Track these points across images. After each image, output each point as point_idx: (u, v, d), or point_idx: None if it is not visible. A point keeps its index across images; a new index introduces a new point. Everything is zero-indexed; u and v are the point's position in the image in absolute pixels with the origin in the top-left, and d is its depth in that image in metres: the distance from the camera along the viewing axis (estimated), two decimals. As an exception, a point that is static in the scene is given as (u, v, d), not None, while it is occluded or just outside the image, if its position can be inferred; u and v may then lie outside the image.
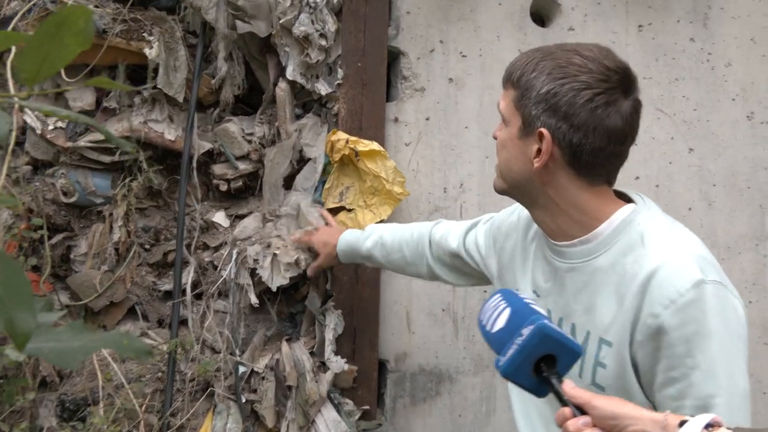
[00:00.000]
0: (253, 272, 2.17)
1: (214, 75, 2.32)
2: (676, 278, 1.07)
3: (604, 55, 1.17)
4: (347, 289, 2.20)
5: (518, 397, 1.40)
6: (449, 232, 1.71)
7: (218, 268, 2.22)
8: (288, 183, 2.28)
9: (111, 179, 2.28)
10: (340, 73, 2.27)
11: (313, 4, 2.23)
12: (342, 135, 2.16)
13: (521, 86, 1.18)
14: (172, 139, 2.26)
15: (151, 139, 2.25)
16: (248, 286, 2.16)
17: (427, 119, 2.33)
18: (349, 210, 2.19)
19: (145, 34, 2.22)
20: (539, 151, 1.17)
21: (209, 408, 2.13)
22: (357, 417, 2.12)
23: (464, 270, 1.69)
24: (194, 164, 2.28)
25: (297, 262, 2.10)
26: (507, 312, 1.01)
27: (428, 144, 2.32)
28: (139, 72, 2.28)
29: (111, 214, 2.26)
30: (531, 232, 1.38)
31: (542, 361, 0.96)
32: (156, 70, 2.22)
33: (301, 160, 2.31)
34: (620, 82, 1.15)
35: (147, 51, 2.19)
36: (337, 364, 2.11)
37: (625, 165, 2.31)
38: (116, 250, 2.24)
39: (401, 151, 2.30)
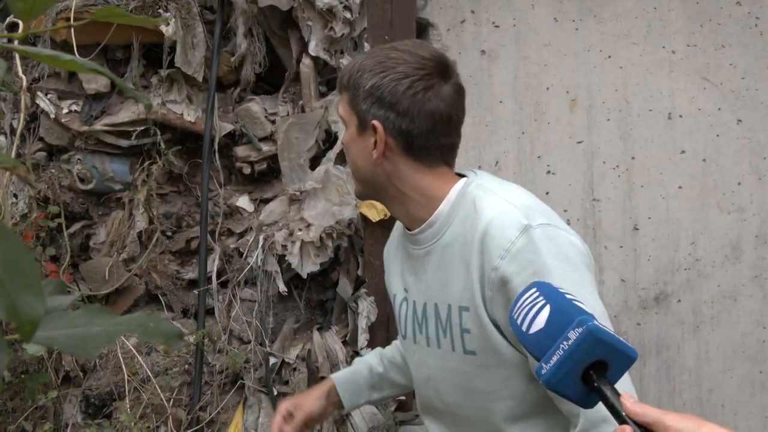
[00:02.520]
0: (281, 259, 2.01)
1: (234, 52, 2.14)
2: (504, 229, 1.11)
3: (418, 46, 1.23)
4: (380, 274, 2.02)
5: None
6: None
7: (244, 255, 2.05)
8: (315, 165, 2.09)
9: (129, 164, 2.11)
10: (366, 47, 2.08)
11: (336, -26, 2.03)
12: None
13: (351, 87, 1.23)
14: (192, 120, 2.08)
15: (169, 121, 2.07)
16: (276, 273, 2.00)
17: (459, 94, 2.13)
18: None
19: (160, 11, 2.04)
20: (376, 143, 1.21)
21: (239, 401, 1.97)
22: (393, 408, 1.97)
23: None
24: (216, 147, 2.10)
25: (322, 244, 1.93)
26: (546, 310, 0.87)
27: (461, 120, 2.12)
28: (155, 51, 2.10)
29: (131, 201, 2.09)
30: (396, 240, 1.40)
31: (591, 368, 0.82)
32: (173, 49, 2.03)
33: (328, 140, 2.12)
34: (436, 68, 1.20)
35: (163, 28, 2.00)
36: (372, 353, 1.93)
37: (670, 137, 2.14)
38: (139, 238, 2.07)
39: (432, 128, 2.11)
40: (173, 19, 2.03)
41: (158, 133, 2.02)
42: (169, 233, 2.14)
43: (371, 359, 1.55)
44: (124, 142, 2.07)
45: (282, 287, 1.98)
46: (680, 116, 2.16)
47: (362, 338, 1.98)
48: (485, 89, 2.14)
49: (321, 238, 1.98)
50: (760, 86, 2.17)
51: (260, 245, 2.03)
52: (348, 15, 2.07)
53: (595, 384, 0.82)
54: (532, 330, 0.87)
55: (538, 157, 2.14)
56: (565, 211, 2.13)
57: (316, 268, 1.98)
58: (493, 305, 1.13)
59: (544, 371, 0.83)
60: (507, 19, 2.16)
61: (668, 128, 2.16)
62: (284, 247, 1.99)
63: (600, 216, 2.15)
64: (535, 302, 0.89)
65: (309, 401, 1.48)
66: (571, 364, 0.82)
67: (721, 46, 2.17)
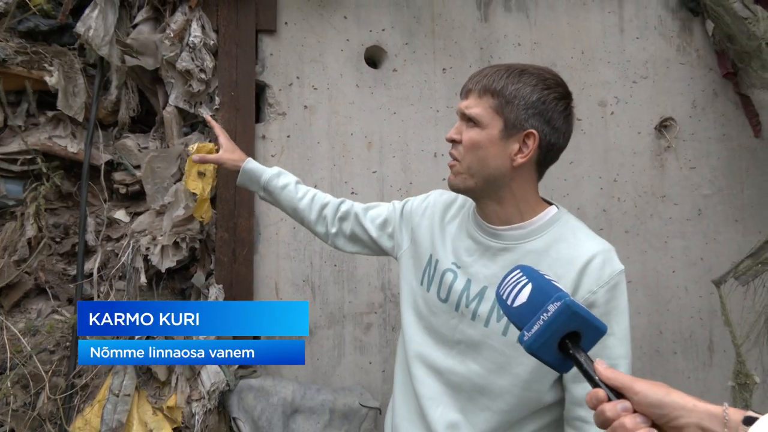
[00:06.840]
0: (145, 258, 2.14)
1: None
2: (608, 265, 1.11)
3: (553, 73, 1.17)
4: (227, 267, 2.22)
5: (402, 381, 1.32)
6: (361, 210, 1.55)
7: (119, 255, 2.17)
8: (178, 187, 2.27)
9: (23, 185, 2.18)
10: (218, 100, 2.29)
11: (192, 45, 2.24)
12: (208, 145, 2.17)
13: (505, 95, 1.11)
14: (75, 151, 2.20)
15: (56, 152, 2.18)
16: (141, 269, 2.13)
17: (288, 137, 2.36)
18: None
19: (45, 65, 2.15)
20: (520, 149, 1.13)
21: (111, 369, 2.07)
22: (236, 367, 2.14)
23: (361, 241, 1.53)
24: (101, 171, 2.22)
25: (177, 246, 2.11)
26: (528, 287, 0.83)
27: (290, 156, 2.36)
28: (48, 96, 2.21)
29: (22, 214, 2.16)
30: (449, 214, 1.32)
31: (566, 338, 0.78)
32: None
33: (188, 168, 2.30)
34: (570, 96, 1.18)
35: (47, 78, 2.12)
36: (218, 326, 2.11)
37: (435, 171, 2.48)
38: (29, 243, 2.14)
39: (268, 161, 2.33)
40: (57, 72, 2.15)
41: (42, 161, 2.12)
42: (57, 239, 2.22)
43: (320, 197, 1.62)
44: (15, 168, 2.15)
45: (143, 279, 2.11)
46: (442, 155, 2.54)
47: (211, 316, 2.15)
48: (307, 134, 2.39)
49: (176, 242, 2.16)
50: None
51: (130, 247, 2.16)
52: (203, 76, 2.27)
53: (570, 351, 0.77)
54: (516, 304, 0.83)
55: (345, 182, 2.41)
56: (365, 221, 2.42)
57: (173, 264, 2.12)
58: None
59: (526, 338, 0.79)
60: (323, 83, 2.42)
61: (434, 164, 2.52)
62: (148, 249, 2.14)
63: (390, 225, 2.45)
64: (519, 281, 0.85)
65: (232, 158, 1.65)
66: (549, 332, 0.77)
67: (470, 108, 2.58)
